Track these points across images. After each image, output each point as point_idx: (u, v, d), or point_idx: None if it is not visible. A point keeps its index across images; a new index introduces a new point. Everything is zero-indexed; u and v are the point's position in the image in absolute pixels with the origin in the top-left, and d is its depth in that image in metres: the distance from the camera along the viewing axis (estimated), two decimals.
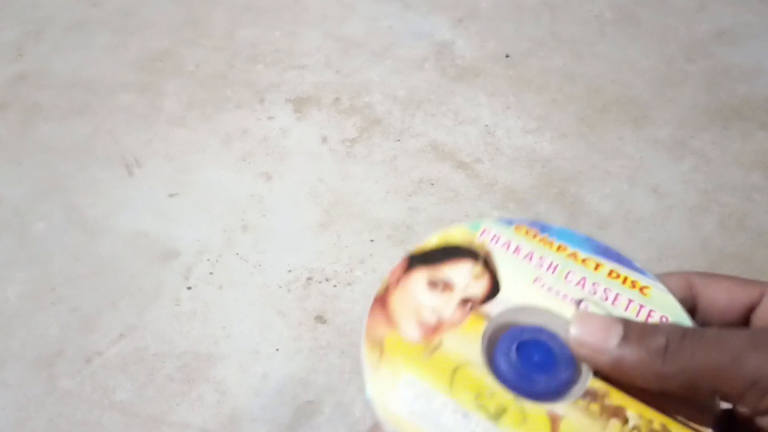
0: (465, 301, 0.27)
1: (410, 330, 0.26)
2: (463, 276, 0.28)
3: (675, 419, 0.25)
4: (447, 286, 0.28)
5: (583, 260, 0.29)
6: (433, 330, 0.26)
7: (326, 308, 0.86)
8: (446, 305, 0.27)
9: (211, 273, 0.91)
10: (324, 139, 1.08)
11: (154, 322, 0.86)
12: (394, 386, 0.25)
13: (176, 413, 0.78)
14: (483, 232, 0.30)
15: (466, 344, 0.26)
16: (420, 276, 0.28)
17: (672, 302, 0.28)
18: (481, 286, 0.28)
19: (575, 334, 0.25)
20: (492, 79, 1.17)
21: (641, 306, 0.28)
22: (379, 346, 0.26)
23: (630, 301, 0.28)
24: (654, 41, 1.23)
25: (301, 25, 1.30)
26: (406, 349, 0.26)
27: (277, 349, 0.83)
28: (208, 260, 0.93)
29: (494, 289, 0.28)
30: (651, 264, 0.85)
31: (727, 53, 1.20)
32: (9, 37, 1.30)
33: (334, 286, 0.88)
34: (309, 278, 0.90)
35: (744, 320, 0.28)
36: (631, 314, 0.27)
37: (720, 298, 0.28)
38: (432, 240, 0.29)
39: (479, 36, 1.25)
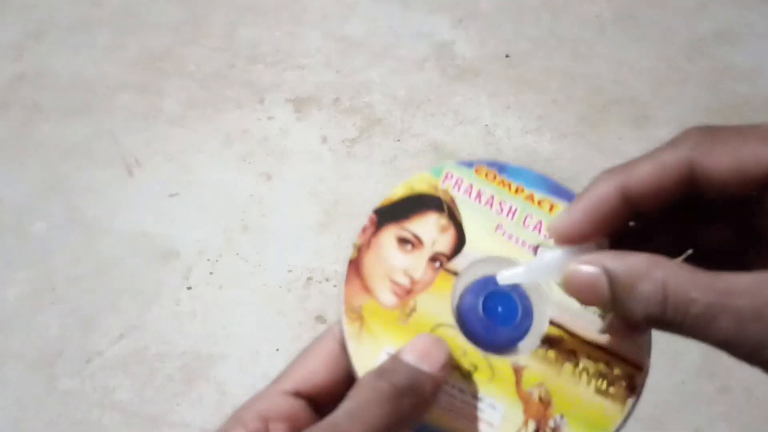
0: (434, 259, 0.29)
1: (386, 296, 0.28)
2: (430, 230, 0.30)
3: (617, 355, 0.28)
4: (416, 243, 0.29)
5: (539, 202, 0.31)
6: (407, 292, 0.28)
7: (326, 308, 0.86)
8: (417, 265, 0.29)
9: (211, 273, 0.91)
10: (324, 139, 1.08)
11: (154, 322, 0.86)
12: (376, 358, 0.26)
13: (176, 413, 0.78)
14: (446, 177, 0.31)
15: (438, 304, 0.28)
16: (389, 234, 0.30)
17: None
18: (447, 240, 0.30)
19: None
20: (492, 79, 1.17)
21: None
22: (358, 316, 0.27)
23: None
24: (654, 41, 1.23)
25: (301, 25, 1.30)
26: (383, 316, 0.28)
27: (277, 349, 0.83)
28: (208, 260, 0.93)
29: (460, 241, 0.30)
30: None
31: (727, 53, 1.20)
32: (9, 37, 1.30)
33: (335, 286, 0.88)
34: (309, 278, 0.90)
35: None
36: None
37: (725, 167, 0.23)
38: (397, 191, 0.31)
39: (479, 36, 1.25)
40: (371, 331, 0.27)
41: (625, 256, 0.24)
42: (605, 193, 0.25)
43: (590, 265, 0.25)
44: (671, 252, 0.27)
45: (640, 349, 0.28)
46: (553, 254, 0.27)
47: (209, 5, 1.35)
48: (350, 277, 0.28)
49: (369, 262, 0.29)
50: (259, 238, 0.95)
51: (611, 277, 0.24)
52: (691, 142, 0.24)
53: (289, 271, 0.91)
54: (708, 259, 0.26)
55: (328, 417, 0.23)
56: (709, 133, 0.24)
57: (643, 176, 0.25)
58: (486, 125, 1.09)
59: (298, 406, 0.26)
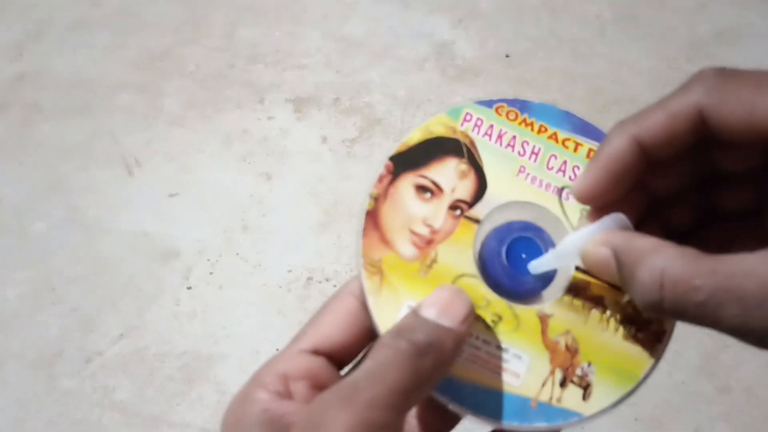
0: (454, 207, 0.28)
1: (405, 248, 0.27)
2: (450, 176, 0.28)
3: None
4: (435, 191, 0.28)
5: (564, 141, 0.29)
6: (427, 243, 0.27)
7: None
8: (437, 214, 0.27)
9: (211, 273, 0.91)
10: (324, 139, 1.08)
11: (154, 322, 0.87)
12: (397, 313, 0.25)
13: (176, 413, 0.78)
14: (464, 119, 0.30)
15: (460, 254, 0.27)
16: (407, 182, 0.28)
17: None
18: (467, 186, 0.28)
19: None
20: (492, 79, 1.17)
21: None
22: (378, 270, 0.26)
23: None
24: (654, 41, 1.23)
25: (301, 25, 1.30)
26: (403, 269, 0.26)
27: (278, 349, 0.83)
28: (208, 260, 0.93)
29: (481, 187, 0.28)
30: None
31: (727, 53, 1.20)
32: (9, 37, 1.30)
33: (335, 286, 0.88)
34: (309, 278, 0.90)
35: None
36: None
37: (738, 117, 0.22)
38: (414, 135, 0.29)
39: (479, 36, 1.25)
40: (391, 285, 0.26)
41: (634, 238, 0.24)
42: (620, 147, 0.25)
43: (603, 246, 0.25)
44: (694, 220, 0.26)
45: None
46: (575, 236, 0.26)
47: (209, 5, 1.35)
48: (367, 229, 0.27)
49: (386, 212, 0.27)
50: (259, 238, 0.95)
51: (617, 260, 0.24)
52: (704, 88, 0.24)
53: (289, 271, 0.91)
54: (733, 228, 0.26)
55: (347, 377, 0.23)
56: (723, 78, 0.23)
57: (655, 126, 0.24)
58: None
59: (318, 364, 0.26)
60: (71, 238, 0.96)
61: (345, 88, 1.17)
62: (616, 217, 0.25)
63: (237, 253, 0.93)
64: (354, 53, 1.23)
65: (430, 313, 0.24)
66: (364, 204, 0.28)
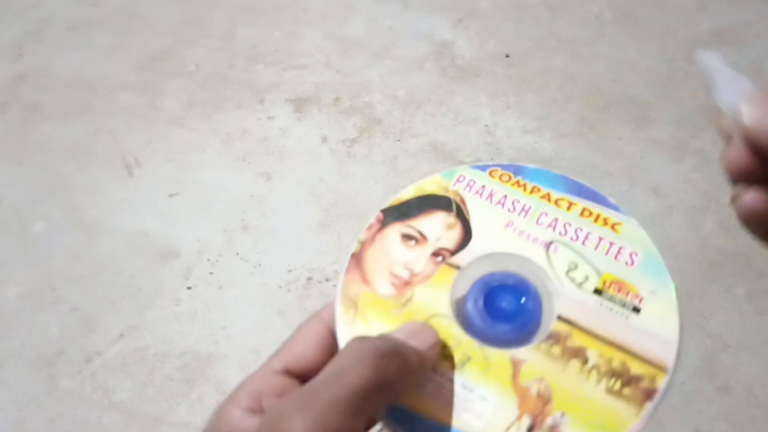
0: (437, 254, 0.28)
1: (383, 287, 0.28)
2: (436, 227, 0.29)
3: (637, 355, 0.26)
4: (420, 239, 0.29)
5: (556, 201, 0.30)
6: (405, 284, 0.28)
7: None
8: (418, 259, 0.28)
9: (211, 273, 0.91)
10: (324, 139, 1.08)
11: (154, 322, 0.87)
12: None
13: (176, 413, 0.78)
14: (457, 180, 0.30)
15: (436, 296, 0.27)
16: (394, 231, 0.29)
17: (643, 236, 0.29)
18: (453, 237, 0.29)
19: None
20: (492, 79, 1.17)
21: (611, 243, 0.29)
22: (353, 304, 0.27)
23: (600, 239, 0.29)
24: (654, 41, 1.23)
25: (301, 25, 1.30)
26: (378, 304, 0.27)
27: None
28: (208, 260, 0.93)
29: (466, 238, 0.29)
30: None
31: (727, 53, 1.20)
32: (9, 37, 1.30)
33: (334, 286, 0.88)
34: (309, 278, 0.90)
35: None
36: (600, 252, 0.28)
37: None
38: (407, 192, 0.30)
39: (479, 36, 1.25)
40: (364, 317, 0.27)
41: None
42: None
43: None
44: None
45: (666, 348, 0.26)
46: (734, 85, 0.23)
47: (209, 5, 1.35)
48: (350, 269, 0.28)
49: (370, 256, 0.29)
50: (259, 238, 0.95)
51: None
52: None
53: (289, 271, 0.91)
54: None
55: (308, 383, 0.23)
56: None
57: None
58: (486, 125, 1.09)
59: (289, 384, 0.26)
60: (71, 238, 0.96)
61: (345, 88, 1.17)
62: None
63: (237, 253, 0.93)
64: (354, 53, 1.23)
65: (398, 336, 0.25)
66: (349, 251, 0.29)
